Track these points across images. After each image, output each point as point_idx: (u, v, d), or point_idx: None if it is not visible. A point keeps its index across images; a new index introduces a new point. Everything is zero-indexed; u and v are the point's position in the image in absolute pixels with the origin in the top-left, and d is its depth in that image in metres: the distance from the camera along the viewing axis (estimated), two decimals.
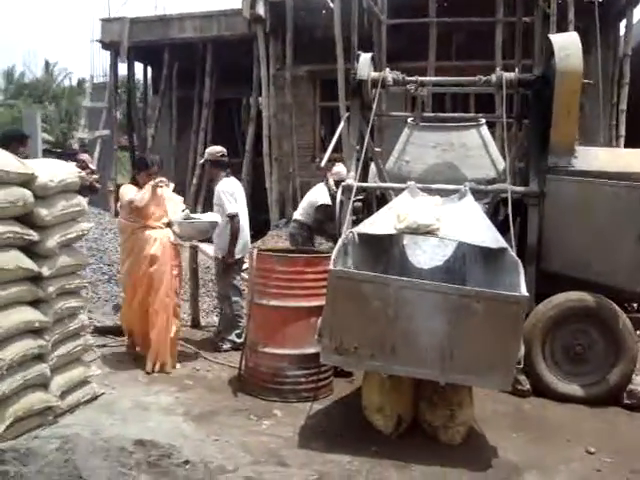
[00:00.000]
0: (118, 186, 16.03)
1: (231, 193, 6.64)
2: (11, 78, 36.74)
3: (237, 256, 6.68)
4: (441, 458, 4.32)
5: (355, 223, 5.80)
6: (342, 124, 7.12)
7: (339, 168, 7.95)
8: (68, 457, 3.72)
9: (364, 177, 6.68)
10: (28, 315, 4.38)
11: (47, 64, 36.69)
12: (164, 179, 6.28)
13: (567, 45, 5.88)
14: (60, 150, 21.24)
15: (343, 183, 6.23)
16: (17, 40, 64.51)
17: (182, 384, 5.69)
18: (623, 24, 12.88)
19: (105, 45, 16.81)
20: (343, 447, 4.39)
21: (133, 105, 17.57)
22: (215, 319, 7.62)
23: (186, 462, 3.95)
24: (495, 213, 6.14)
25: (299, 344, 5.33)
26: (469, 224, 5.02)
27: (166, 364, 5.97)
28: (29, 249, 4.46)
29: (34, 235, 4.43)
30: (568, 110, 5.81)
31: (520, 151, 6.77)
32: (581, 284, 5.66)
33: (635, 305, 6.27)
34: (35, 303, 4.50)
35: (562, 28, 10.99)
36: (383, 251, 5.65)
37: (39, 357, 4.48)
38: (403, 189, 5.75)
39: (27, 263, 4.36)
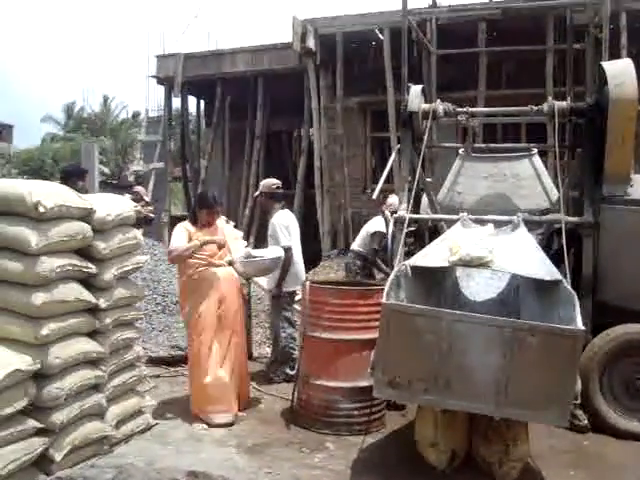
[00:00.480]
0: (172, 217, 16.49)
1: (286, 226, 6.69)
2: (70, 113, 38.01)
3: (290, 288, 6.71)
4: None
5: (407, 255, 5.78)
6: (393, 156, 7.14)
7: (393, 200, 7.96)
8: None
9: (416, 208, 6.67)
10: (86, 346, 4.48)
11: (105, 99, 37.85)
12: (225, 218, 6.16)
13: (621, 72, 5.81)
14: (116, 182, 21.81)
15: (395, 215, 6.24)
16: (76, 76, 66.87)
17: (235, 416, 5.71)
18: None
19: (160, 80, 17.25)
20: None
21: (186, 138, 17.89)
22: (267, 350, 7.64)
23: None
24: (549, 244, 6.05)
25: (352, 377, 5.30)
26: (522, 256, 4.95)
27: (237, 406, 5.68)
28: (87, 281, 4.58)
29: (92, 268, 4.55)
30: (623, 138, 5.72)
31: (573, 180, 6.67)
32: (639, 316, 5.51)
33: None
34: (92, 334, 4.61)
35: (615, 54, 10.85)
36: (436, 283, 5.60)
37: (95, 387, 4.57)
38: (455, 220, 5.72)
39: (85, 295, 4.47)
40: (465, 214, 5.76)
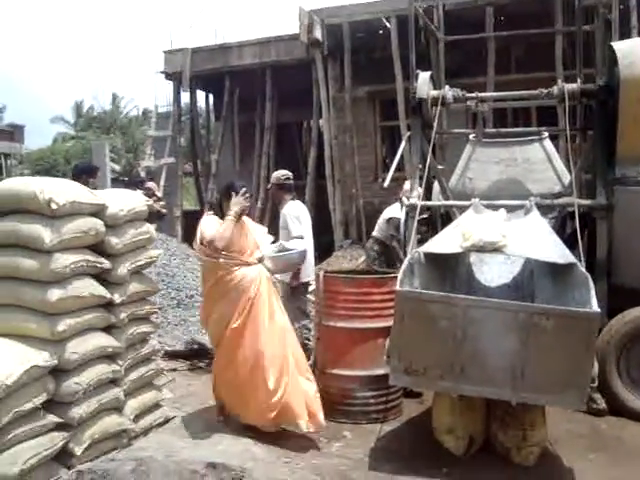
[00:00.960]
0: (184, 212, 16.53)
1: (297, 216, 6.67)
2: (80, 111, 38.12)
3: (303, 279, 6.72)
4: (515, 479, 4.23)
5: (420, 242, 5.77)
6: (403, 143, 7.12)
7: (408, 186, 7.94)
8: (143, 479, 3.80)
9: (428, 195, 6.66)
10: (102, 341, 4.50)
11: (114, 97, 37.94)
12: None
13: (631, 51, 5.76)
14: (127, 179, 21.89)
15: (406, 202, 6.22)
16: (84, 75, 67.06)
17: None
18: None
19: (168, 75, 17.26)
20: (413, 469, 4.35)
21: (196, 132, 17.93)
22: None
23: None
24: (562, 227, 6.02)
25: (368, 365, 5.31)
26: (536, 240, 4.94)
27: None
28: (101, 277, 4.59)
29: (106, 263, 4.57)
30: (634, 119, 5.67)
31: (585, 163, 6.62)
32: None
33: None
34: (108, 329, 4.63)
35: (625, 35, 10.74)
36: (449, 270, 5.59)
37: (113, 381, 4.59)
38: (467, 206, 5.70)
39: (100, 290, 4.49)
40: (477, 200, 5.74)
